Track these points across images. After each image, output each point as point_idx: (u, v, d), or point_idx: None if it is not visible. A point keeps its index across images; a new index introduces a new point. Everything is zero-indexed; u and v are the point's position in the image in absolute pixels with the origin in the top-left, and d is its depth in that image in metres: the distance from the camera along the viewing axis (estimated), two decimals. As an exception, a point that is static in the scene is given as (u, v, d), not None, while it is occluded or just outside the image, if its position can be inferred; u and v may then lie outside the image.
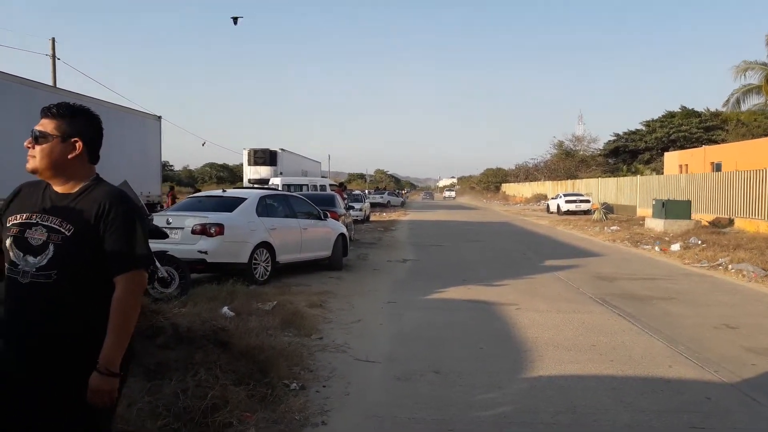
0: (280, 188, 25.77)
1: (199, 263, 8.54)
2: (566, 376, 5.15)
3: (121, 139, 17.88)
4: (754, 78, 30.23)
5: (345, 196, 22.44)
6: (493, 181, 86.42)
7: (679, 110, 61.45)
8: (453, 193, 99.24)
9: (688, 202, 21.76)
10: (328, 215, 11.26)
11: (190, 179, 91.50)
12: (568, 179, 52.65)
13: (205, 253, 8.54)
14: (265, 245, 9.26)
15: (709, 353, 5.96)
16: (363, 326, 6.91)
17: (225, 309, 6.48)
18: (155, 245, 7.81)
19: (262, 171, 36.72)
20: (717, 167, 28.23)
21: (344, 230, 11.78)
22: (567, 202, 35.61)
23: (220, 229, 8.69)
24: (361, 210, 25.65)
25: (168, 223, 8.82)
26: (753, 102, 31.86)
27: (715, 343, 6.39)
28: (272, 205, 9.97)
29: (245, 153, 37.13)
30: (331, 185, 40.40)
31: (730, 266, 12.27)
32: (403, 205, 52.42)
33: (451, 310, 7.93)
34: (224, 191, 10.26)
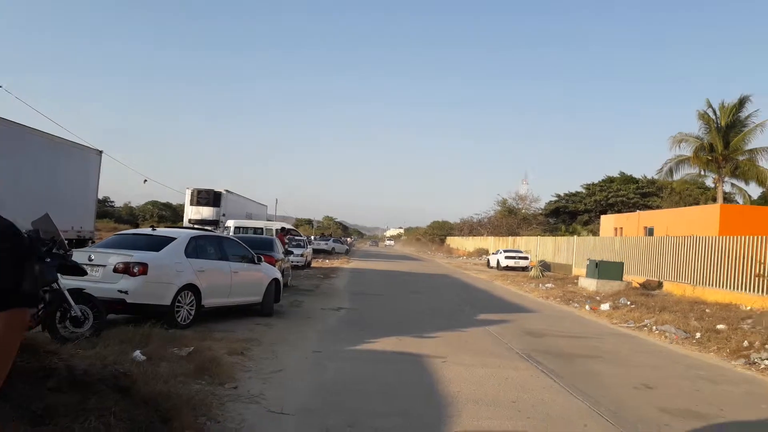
0: (232, 230, 25.39)
1: (119, 303, 8.15)
2: (482, 434, 5.08)
3: (56, 170, 17.26)
4: (687, 150, 32.09)
5: (286, 241, 22.12)
6: (438, 233, 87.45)
7: (618, 176, 64.44)
8: (392, 242, 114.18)
9: (621, 264, 22.48)
10: (262, 259, 11.01)
11: (130, 216, 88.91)
12: (510, 236, 53.80)
13: (126, 293, 8.16)
14: (191, 287, 8.94)
15: (626, 413, 6.02)
16: (283, 376, 6.67)
17: (137, 353, 6.15)
18: (72, 282, 7.45)
19: (204, 212, 36.03)
20: (649, 231, 29.45)
21: (278, 275, 11.54)
22: (506, 258, 36.25)
23: (143, 268, 8.35)
24: (302, 255, 25.32)
25: (90, 259, 8.42)
26: (685, 171, 33.71)
27: (633, 403, 6.47)
28: (203, 246, 9.69)
29: (188, 192, 36.41)
30: (284, 229, 40.37)
31: (654, 327, 12.63)
32: (347, 252, 52.18)
33: (377, 362, 7.80)
34: (154, 229, 9.92)
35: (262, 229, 38.89)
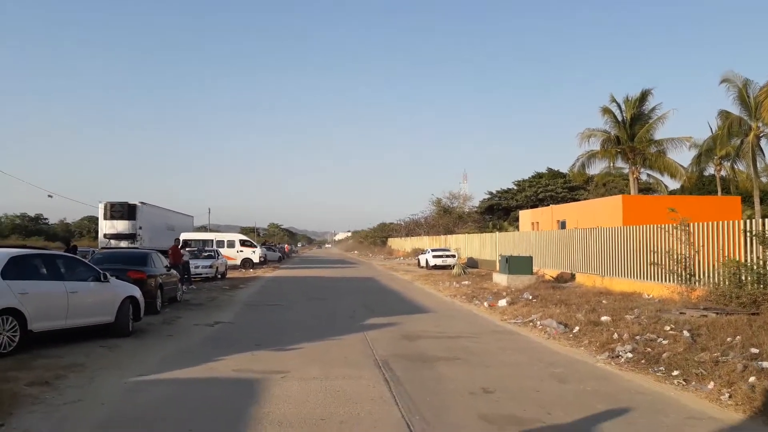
0: (187, 243, 24.22)
1: None
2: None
3: None
4: (596, 144, 32.75)
5: (184, 252, 21.19)
6: (379, 235, 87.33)
7: (546, 171, 65.74)
8: (330, 246, 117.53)
9: (530, 258, 22.56)
10: (107, 276, 10.15)
11: (66, 233, 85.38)
12: (446, 234, 53.98)
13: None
14: (12, 312, 8.12)
15: (439, 423, 5.65)
16: (75, 408, 5.99)
17: None
18: None
19: (119, 225, 34.60)
20: (562, 225, 29.84)
21: (135, 292, 10.77)
22: (434, 257, 36.20)
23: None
24: (211, 267, 24.41)
25: None
26: (598, 165, 34.36)
27: (455, 411, 6.11)
28: (30, 266, 8.86)
29: (101, 206, 34.90)
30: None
31: (538, 322, 12.49)
32: (280, 260, 51.19)
33: (202, 385, 7.17)
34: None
35: (212, 240, 38.34)
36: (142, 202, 35.06)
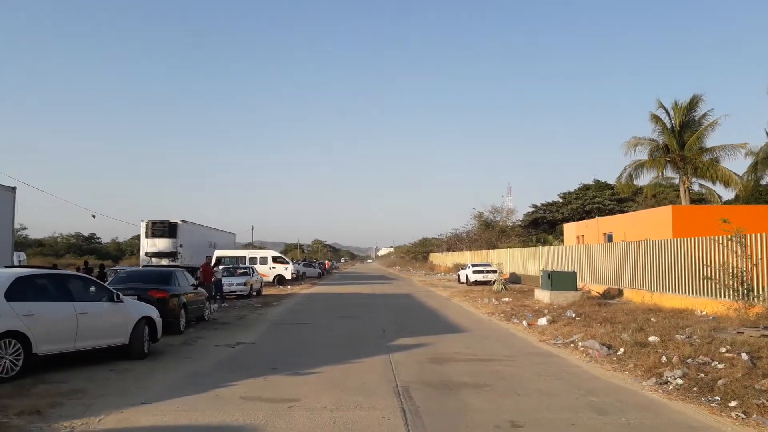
0: (220, 261, 24.08)
1: None
2: None
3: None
4: (644, 153, 31.22)
5: (216, 270, 20.94)
6: (420, 251, 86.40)
7: (594, 183, 63.76)
8: (371, 261, 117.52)
9: (574, 273, 21.46)
10: (120, 296, 9.78)
11: (118, 252, 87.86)
12: (489, 249, 52.76)
13: None
14: (15, 335, 7.80)
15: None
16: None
17: None
18: None
19: (160, 244, 34.92)
20: (609, 238, 28.48)
21: (151, 313, 10.38)
22: (474, 272, 35.16)
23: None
24: (245, 284, 24.12)
25: None
26: (646, 176, 32.74)
27: (475, 451, 5.38)
28: (37, 286, 8.55)
29: (143, 225, 35.34)
30: (274, 257, 39.54)
31: (580, 344, 11.57)
32: (320, 276, 50.92)
33: (200, 415, 6.60)
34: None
35: (245, 257, 38.49)
36: (183, 221, 35.36)
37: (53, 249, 75.43)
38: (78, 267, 20.24)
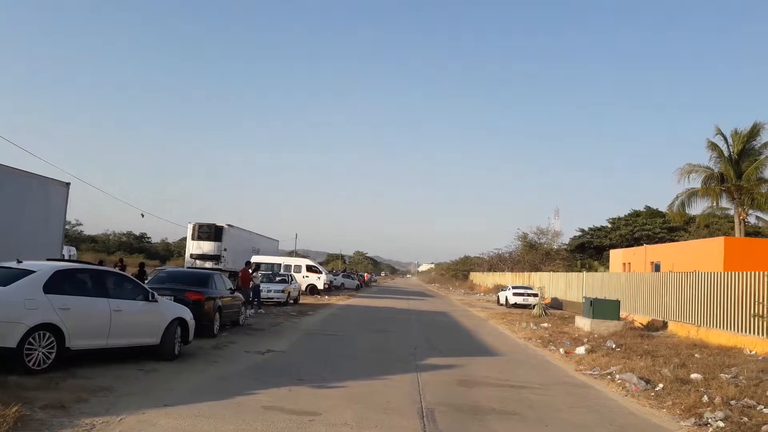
0: (258, 266, 24.26)
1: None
2: None
3: (20, 205, 16.80)
4: (697, 181, 30.14)
5: (256, 275, 21.12)
6: (461, 269, 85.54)
7: (644, 210, 61.99)
8: (411, 276, 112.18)
9: (617, 302, 20.76)
10: (155, 296, 9.91)
11: (166, 252, 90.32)
12: (532, 271, 51.83)
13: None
14: (50, 327, 7.97)
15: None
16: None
17: None
18: None
19: (205, 246, 35.55)
20: (656, 267, 27.52)
21: (185, 314, 10.48)
22: (515, 294, 34.48)
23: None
24: (283, 292, 24.27)
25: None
26: (699, 205, 31.56)
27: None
28: (76, 280, 8.72)
29: (189, 227, 36.07)
30: (308, 266, 39.86)
31: (617, 376, 11.10)
32: (358, 288, 50.94)
33: (218, 422, 6.55)
34: (19, 261, 8.99)
35: (280, 264, 38.95)
36: (229, 225, 35.95)
37: (105, 246, 77.97)
38: (114, 264, 20.73)
